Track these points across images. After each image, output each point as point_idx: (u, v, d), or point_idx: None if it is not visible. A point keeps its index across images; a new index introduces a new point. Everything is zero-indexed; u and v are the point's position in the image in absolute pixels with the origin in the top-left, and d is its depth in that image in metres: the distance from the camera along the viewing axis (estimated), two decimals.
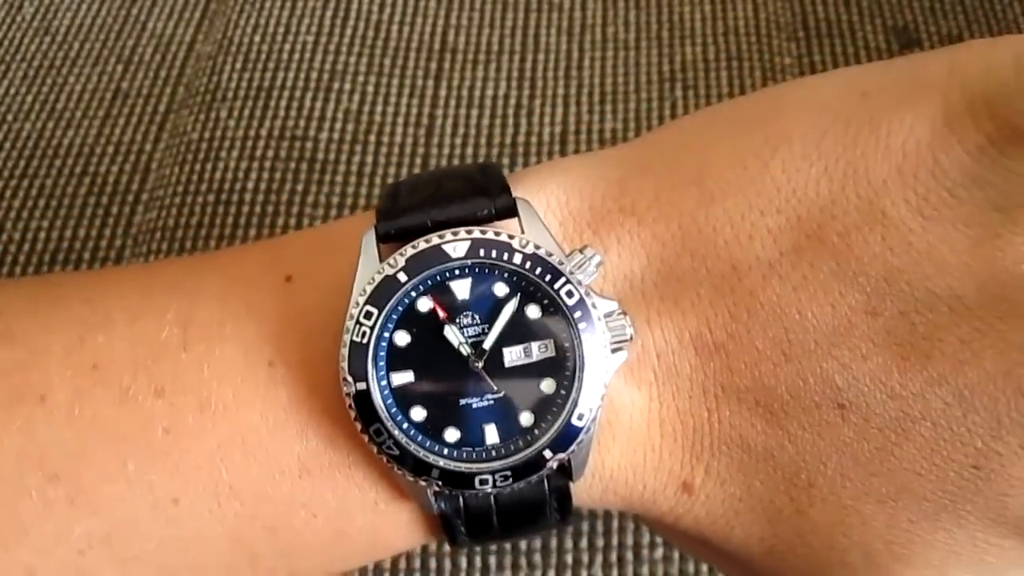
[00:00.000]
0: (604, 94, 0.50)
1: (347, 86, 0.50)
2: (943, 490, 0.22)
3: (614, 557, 0.37)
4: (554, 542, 0.37)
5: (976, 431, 0.21)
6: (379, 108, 0.49)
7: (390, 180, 0.47)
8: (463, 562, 0.37)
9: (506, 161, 0.48)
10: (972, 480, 0.21)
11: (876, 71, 0.24)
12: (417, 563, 0.37)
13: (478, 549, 0.37)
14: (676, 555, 0.37)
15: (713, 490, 0.23)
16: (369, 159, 0.47)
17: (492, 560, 0.37)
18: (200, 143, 0.48)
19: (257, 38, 0.52)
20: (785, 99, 0.24)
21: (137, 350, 0.23)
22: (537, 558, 0.37)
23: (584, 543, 0.37)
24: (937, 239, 0.21)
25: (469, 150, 0.48)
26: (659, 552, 0.37)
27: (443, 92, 0.50)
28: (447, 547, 0.37)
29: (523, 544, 0.37)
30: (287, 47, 0.51)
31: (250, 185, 0.46)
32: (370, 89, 0.50)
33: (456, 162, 0.48)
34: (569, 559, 0.37)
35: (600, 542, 0.37)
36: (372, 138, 0.48)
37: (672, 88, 0.50)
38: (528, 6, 0.53)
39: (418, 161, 0.48)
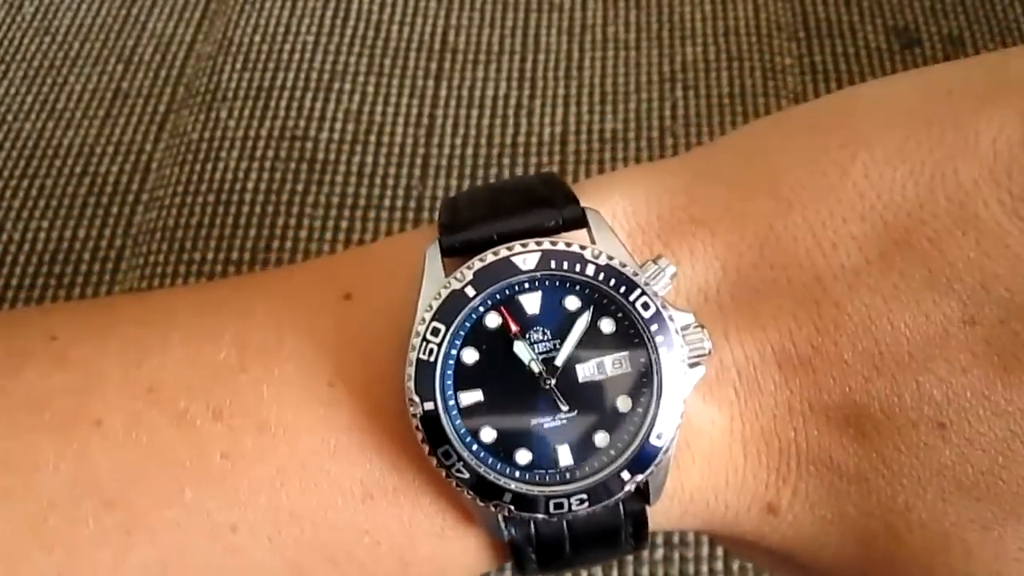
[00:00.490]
0: (604, 94, 0.50)
1: (347, 86, 0.50)
2: None
3: None
4: None
5: None
6: (379, 108, 0.49)
7: (390, 180, 0.47)
8: None
9: (506, 162, 0.48)
10: None
11: (956, 70, 0.23)
12: None
13: None
14: (676, 555, 0.37)
15: (801, 512, 0.22)
16: (369, 159, 0.47)
17: None
18: (200, 143, 0.48)
19: (257, 38, 0.52)
20: (860, 101, 0.23)
21: (194, 372, 0.22)
22: None
23: None
24: None
25: (469, 150, 0.48)
26: (659, 553, 0.37)
27: (443, 92, 0.50)
28: None
29: None
30: (287, 47, 0.51)
31: (250, 185, 0.46)
32: (370, 89, 0.50)
33: (456, 163, 0.48)
34: None
35: None
36: (372, 138, 0.48)
37: (672, 88, 0.50)
38: (528, 6, 0.53)
39: (418, 161, 0.48)
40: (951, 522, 0.21)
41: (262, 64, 0.51)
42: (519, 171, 0.47)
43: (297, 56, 0.51)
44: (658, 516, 0.23)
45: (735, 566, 0.36)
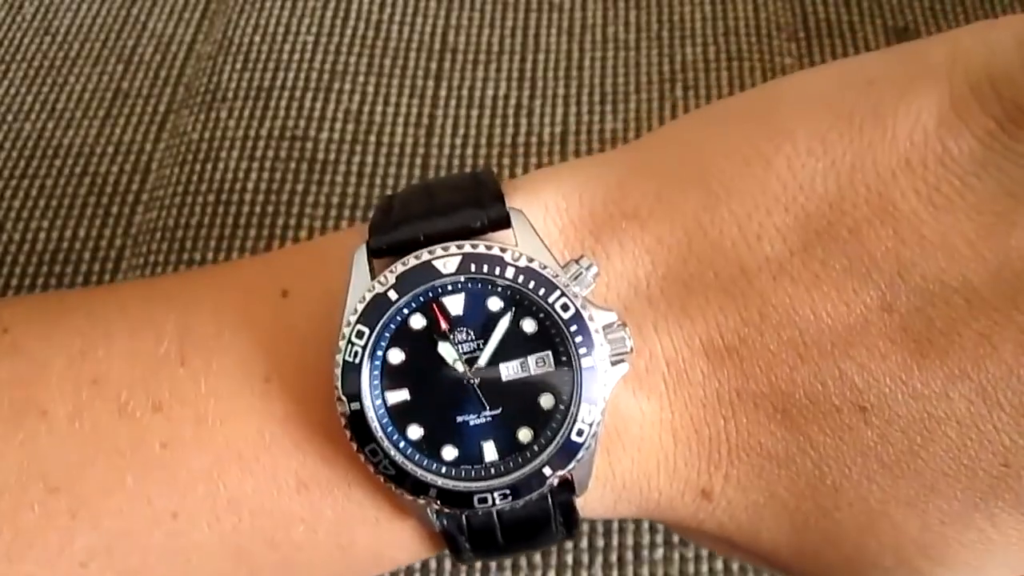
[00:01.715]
0: (604, 94, 0.50)
1: (347, 86, 0.50)
2: (973, 489, 0.21)
3: (614, 557, 0.37)
4: None
5: (1003, 428, 0.20)
6: (379, 108, 0.49)
7: (390, 180, 0.47)
8: None
9: (507, 162, 0.48)
10: (1002, 478, 0.21)
11: (876, 60, 0.24)
12: (417, 564, 0.37)
13: None
14: (676, 555, 0.37)
15: (734, 496, 0.23)
16: (369, 159, 0.47)
17: (492, 561, 0.37)
18: (200, 143, 0.48)
19: (257, 38, 0.52)
20: (784, 93, 0.24)
21: (135, 364, 0.23)
22: (537, 558, 0.37)
23: (584, 543, 0.37)
24: (949, 229, 0.21)
25: (469, 150, 0.48)
26: (659, 552, 0.37)
27: (443, 92, 0.50)
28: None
29: None
30: (287, 47, 0.51)
31: (250, 185, 0.46)
32: (370, 89, 0.50)
33: (456, 163, 0.48)
34: (569, 559, 0.37)
35: (600, 542, 0.37)
36: (372, 138, 0.48)
37: (672, 88, 0.50)
38: (528, 6, 0.53)
39: (418, 161, 0.48)
40: (876, 499, 0.22)
41: (262, 64, 0.51)
42: (519, 171, 0.47)
43: (297, 56, 0.51)
44: (592, 503, 0.23)
45: (735, 566, 0.37)
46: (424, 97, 0.50)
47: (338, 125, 0.48)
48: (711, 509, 0.23)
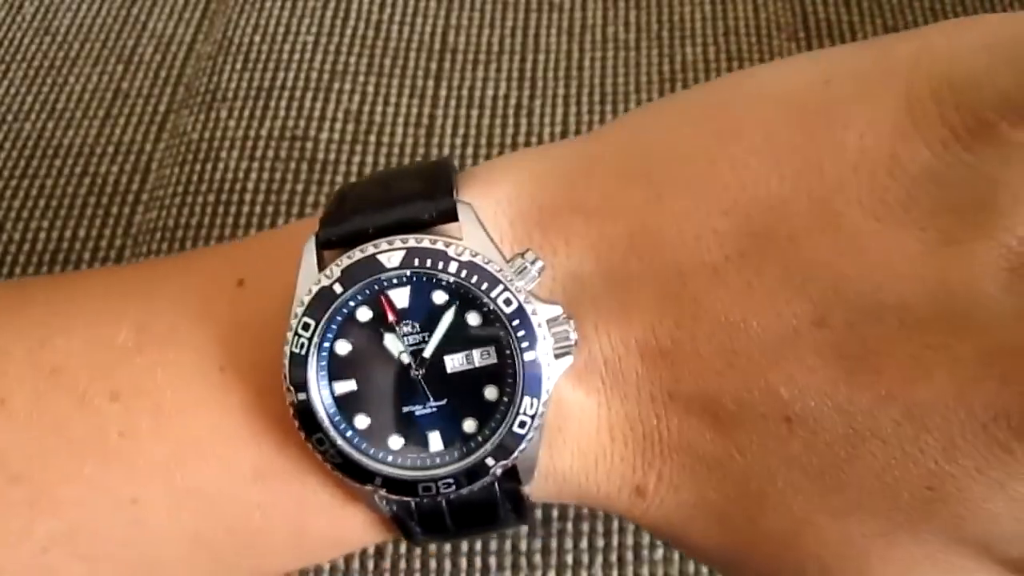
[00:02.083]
0: (604, 94, 0.50)
1: (347, 86, 0.50)
2: (897, 508, 0.20)
3: (614, 557, 0.37)
4: (554, 542, 0.37)
5: (929, 452, 0.20)
6: (379, 108, 0.49)
7: None
8: (463, 563, 0.37)
9: None
10: (927, 501, 0.20)
11: (840, 56, 0.22)
12: (417, 564, 0.37)
13: (478, 550, 0.37)
14: (676, 555, 0.37)
15: (667, 495, 0.23)
16: (369, 159, 0.47)
17: (492, 561, 0.37)
18: (200, 143, 0.48)
19: (257, 38, 0.52)
20: (739, 88, 0.23)
21: (94, 354, 0.23)
22: (537, 558, 0.37)
23: (584, 543, 0.37)
24: (891, 245, 0.20)
25: (469, 150, 0.48)
26: (659, 552, 0.37)
27: (443, 92, 0.50)
28: (447, 548, 0.37)
29: (523, 544, 0.37)
30: (287, 47, 0.51)
31: (250, 185, 0.46)
32: (370, 89, 0.50)
33: (456, 163, 0.48)
34: (569, 559, 0.37)
35: (600, 542, 0.37)
36: (372, 138, 0.48)
37: (672, 88, 0.50)
38: (528, 6, 0.53)
39: (418, 161, 0.48)
40: (800, 508, 0.21)
41: (262, 64, 0.51)
42: None
43: (297, 56, 0.51)
44: (537, 491, 0.24)
45: None
46: (424, 97, 0.50)
47: (338, 125, 0.48)
48: (645, 507, 0.23)
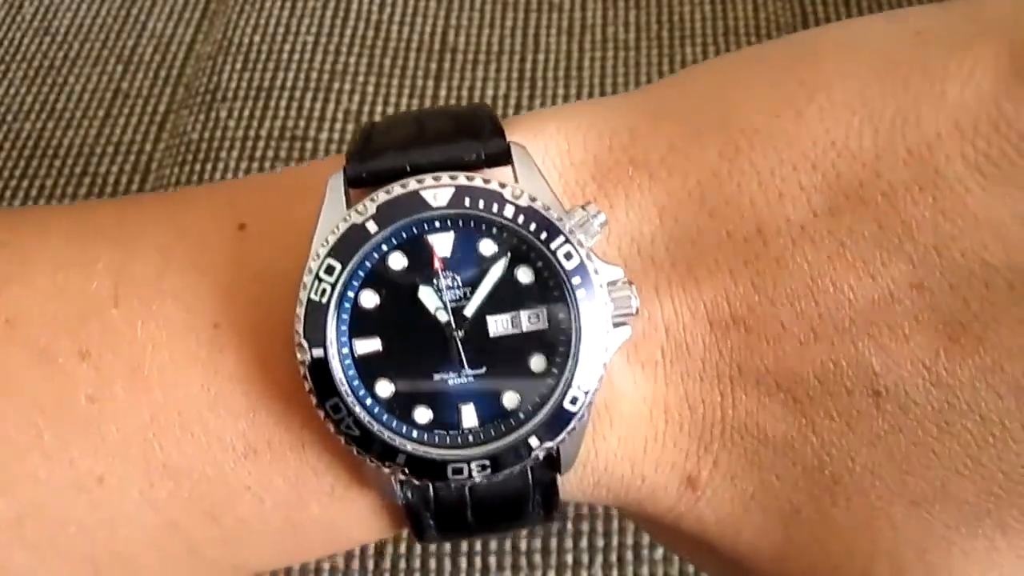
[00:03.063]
0: (604, 94, 0.50)
1: (347, 86, 0.50)
2: (988, 492, 0.19)
3: (614, 557, 0.37)
4: (554, 542, 0.37)
5: None
6: (379, 108, 0.49)
7: None
8: (463, 562, 0.37)
9: None
10: (1022, 482, 0.19)
11: (930, 10, 0.21)
12: (417, 563, 0.37)
13: (478, 550, 0.37)
14: (676, 555, 0.37)
15: (721, 486, 0.21)
16: None
17: (492, 560, 0.37)
18: (200, 143, 0.48)
19: (257, 38, 0.52)
20: (823, 40, 0.21)
21: (59, 304, 0.20)
22: (537, 558, 0.37)
23: (584, 543, 0.37)
24: (998, 202, 0.18)
25: None
26: (659, 552, 0.37)
27: (443, 92, 0.50)
28: (447, 547, 0.37)
29: (523, 544, 0.37)
30: (287, 47, 0.51)
31: None
32: (370, 89, 0.50)
33: None
34: (569, 559, 0.37)
35: (600, 542, 0.37)
36: None
37: None
38: (528, 6, 0.53)
39: None
40: (878, 495, 0.20)
41: (262, 64, 0.51)
42: None
43: (297, 56, 0.51)
44: (570, 486, 0.21)
45: None
46: (424, 97, 0.50)
47: (338, 125, 0.48)
48: (694, 500, 0.21)
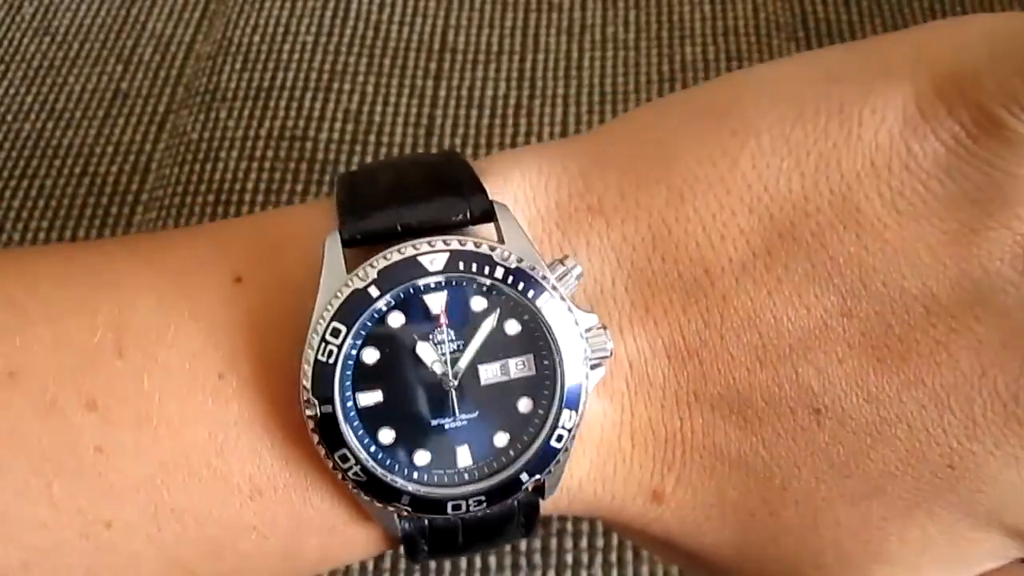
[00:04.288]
0: (604, 94, 0.50)
1: (347, 86, 0.50)
2: (917, 489, 0.21)
3: (614, 557, 0.37)
4: (554, 542, 0.37)
5: (952, 431, 0.21)
6: (379, 108, 0.49)
7: None
8: (463, 562, 0.37)
9: None
10: (946, 479, 0.21)
11: (841, 54, 0.23)
12: (417, 565, 0.37)
13: None
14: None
15: (684, 498, 0.23)
16: (369, 159, 0.47)
17: (492, 560, 0.37)
18: (200, 143, 0.48)
19: (257, 38, 0.52)
20: (747, 86, 0.23)
21: (62, 355, 0.20)
22: (537, 558, 0.37)
23: (584, 543, 0.37)
24: (912, 236, 0.21)
25: (469, 150, 0.48)
26: None
27: (443, 92, 0.50)
28: None
29: (523, 544, 0.37)
30: (287, 47, 0.51)
31: (250, 185, 0.46)
32: (370, 89, 0.50)
33: None
34: (569, 559, 0.37)
35: (600, 542, 0.37)
36: (372, 138, 0.48)
37: (672, 88, 0.50)
38: (528, 6, 0.53)
39: None
40: (823, 497, 0.22)
41: (262, 64, 0.51)
42: None
43: (297, 56, 0.51)
44: (547, 503, 0.23)
45: None
46: (424, 97, 0.50)
47: (338, 125, 0.48)
48: (660, 511, 0.23)
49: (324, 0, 0.53)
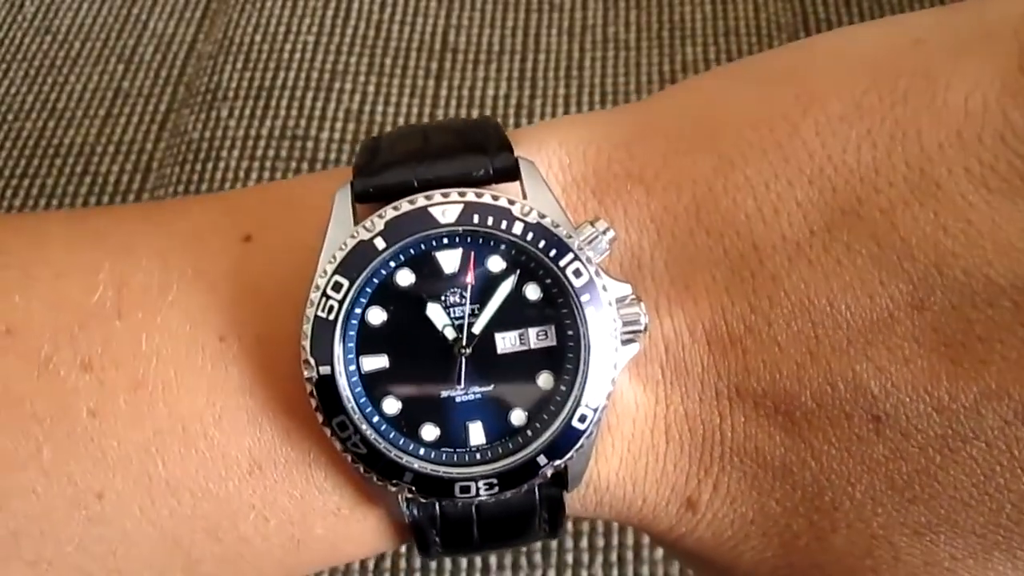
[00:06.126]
0: (604, 94, 0.50)
1: (348, 86, 0.50)
2: (996, 524, 0.18)
3: (614, 557, 0.37)
4: (554, 542, 0.37)
5: None
6: (380, 108, 0.49)
7: None
8: (463, 562, 0.37)
9: None
10: None
11: (930, 15, 0.20)
12: (417, 563, 0.37)
13: None
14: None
15: (721, 509, 0.20)
16: None
17: (492, 560, 0.37)
18: (201, 142, 0.48)
19: (258, 38, 0.52)
20: (818, 50, 0.21)
21: (60, 314, 0.19)
22: (537, 558, 0.37)
23: (584, 543, 0.37)
24: (1003, 218, 0.17)
25: None
26: (659, 552, 0.37)
27: (443, 92, 0.50)
28: None
29: None
30: (288, 47, 0.51)
31: (251, 184, 0.46)
32: (371, 89, 0.50)
33: None
34: (569, 559, 0.37)
35: (600, 542, 0.37)
36: None
37: None
38: (529, 6, 0.53)
39: None
40: (879, 523, 0.19)
41: (263, 64, 0.51)
42: None
43: (298, 56, 0.51)
44: (574, 503, 0.21)
45: None
46: (424, 97, 0.50)
47: (338, 125, 0.49)
48: (694, 522, 0.21)
49: (325, 0, 0.53)
